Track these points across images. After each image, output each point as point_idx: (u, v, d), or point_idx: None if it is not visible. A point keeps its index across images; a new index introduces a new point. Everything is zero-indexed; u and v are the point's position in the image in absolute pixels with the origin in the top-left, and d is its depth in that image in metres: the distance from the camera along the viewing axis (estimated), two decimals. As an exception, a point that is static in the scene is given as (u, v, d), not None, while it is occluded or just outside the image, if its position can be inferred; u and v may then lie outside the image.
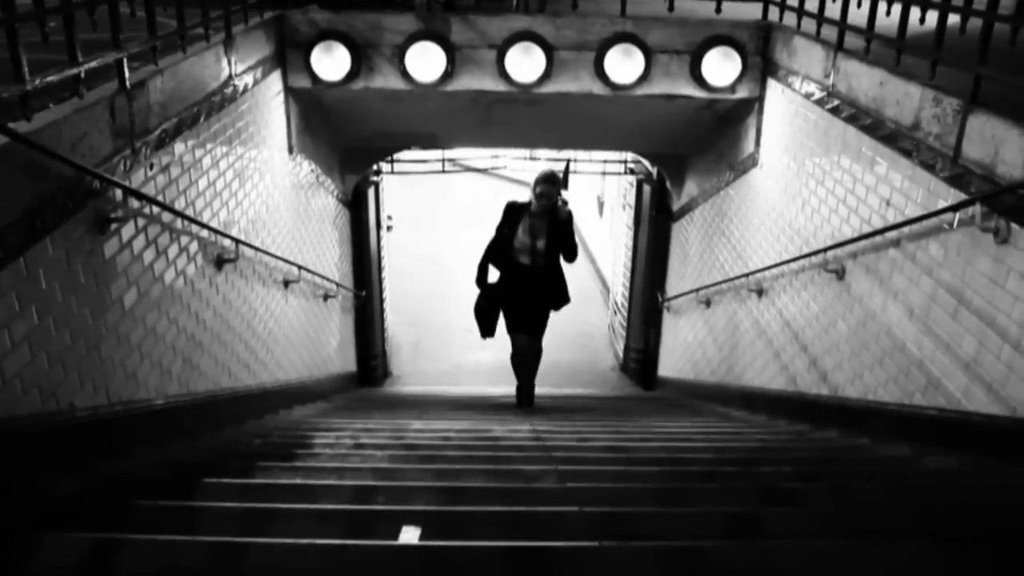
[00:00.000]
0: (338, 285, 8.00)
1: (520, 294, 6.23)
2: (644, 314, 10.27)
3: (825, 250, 4.84)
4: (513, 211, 6.00)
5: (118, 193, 3.36)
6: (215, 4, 4.68)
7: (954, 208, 3.52)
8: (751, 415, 6.02)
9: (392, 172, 9.45)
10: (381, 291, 9.82)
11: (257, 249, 5.28)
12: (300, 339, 6.78)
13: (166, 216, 3.89)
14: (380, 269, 9.66)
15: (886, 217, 4.22)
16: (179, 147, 4.04)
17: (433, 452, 3.95)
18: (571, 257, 6.06)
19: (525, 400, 6.98)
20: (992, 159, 3.36)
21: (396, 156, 9.23)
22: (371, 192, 8.93)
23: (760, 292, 6.11)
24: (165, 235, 3.90)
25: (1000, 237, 3.26)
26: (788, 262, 5.47)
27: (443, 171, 9.96)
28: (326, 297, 7.57)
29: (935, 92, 3.78)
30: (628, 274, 10.58)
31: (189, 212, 4.20)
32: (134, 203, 3.51)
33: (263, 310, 5.60)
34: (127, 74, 3.46)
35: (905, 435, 3.98)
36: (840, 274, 4.75)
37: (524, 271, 6.11)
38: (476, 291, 6.45)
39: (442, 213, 16.23)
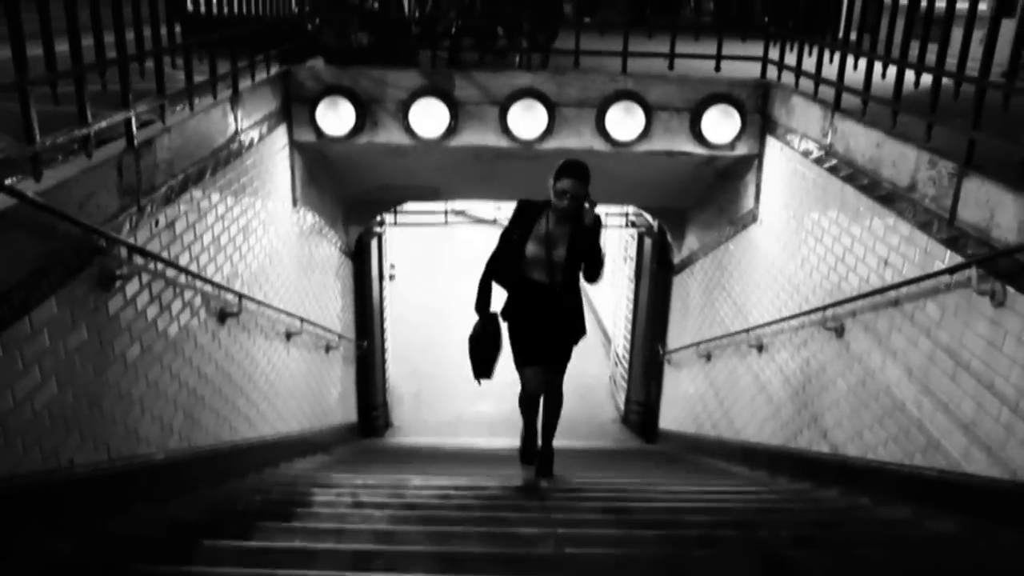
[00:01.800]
0: (340, 336, 8.02)
1: (533, 320, 4.76)
2: (645, 366, 10.26)
3: (824, 308, 4.86)
4: (526, 212, 4.58)
5: (123, 250, 3.40)
6: (222, 55, 4.79)
7: (950, 271, 3.56)
8: (752, 471, 6.00)
9: (396, 224, 9.52)
10: (383, 341, 9.84)
11: (260, 303, 5.31)
12: (301, 390, 6.78)
13: (170, 272, 3.94)
14: (382, 319, 9.68)
15: (884, 277, 4.26)
16: (184, 203, 4.09)
17: (432, 512, 3.94)
18: (595, 275, 4.62)
19: (541, 465, 5.27)
20: (987, 222, 3.40)
21: (399, 207, 9.31)
22: (374, 243, 9.01)
23: (760, 347, 6.12)
24: (169, 290, 3.93)
25: (996, 300, 3.29)
26: (788, 319, 5.49)
27: (446, 223, 10.03)
28: (328, 348, 7.59)
29: (930, 155, 3.84)
30: (629, 326, 10.59)
31: (193, 267, 4.24)
32: (139, 260, 3.56)
33: (265, 362, 5.61)
34: (135, 133, 3.52)
35: (906, 496, 3.97)
36: (840, 332, 4.77)
37: (537, 291, 4.62)
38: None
39: (443, 262, 16.30)
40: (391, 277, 13.60)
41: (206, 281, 4.33)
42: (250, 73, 5.26)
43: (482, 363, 4.84)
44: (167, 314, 3.95)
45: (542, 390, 5.02)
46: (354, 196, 8.02)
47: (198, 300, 4.32)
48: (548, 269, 4.55)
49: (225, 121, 4.72)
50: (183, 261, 4.10)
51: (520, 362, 4.91)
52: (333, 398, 8.13)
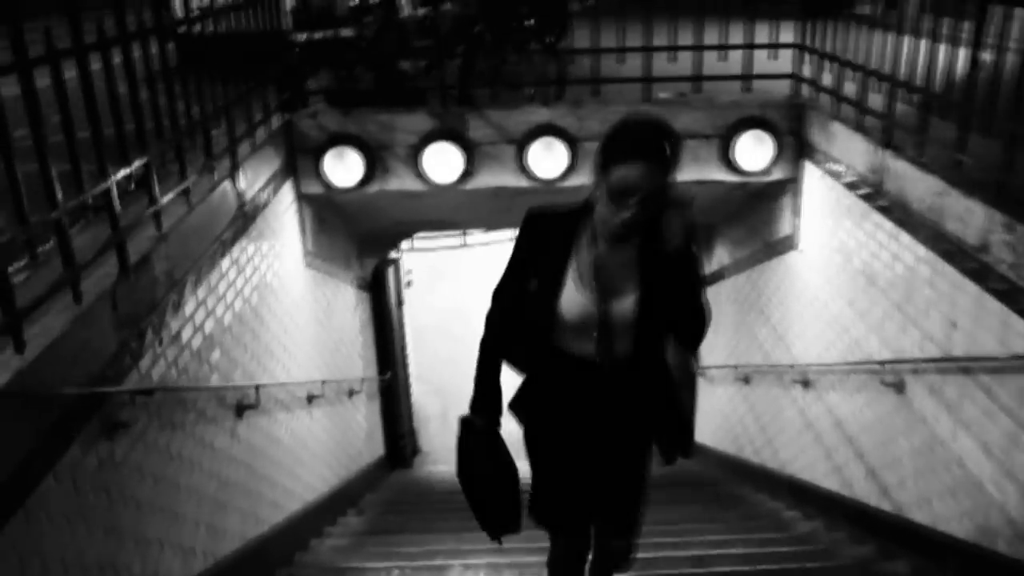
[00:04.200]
0: (363, 379, 7.73)
1: (574, 433, 2.70)
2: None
3: (881, 363, 4.51)
4: (547, 230, 2.57)
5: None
6: (216, 113, 4.45)
7: (1039, 358, 3.21)
8: (804, 519, 5.69)
9: (412, 249, 9.20)
10: (405, 368, 9.57)
11: (277, 385, 5.02)
12: (327, 448, 6.52)
13: (181, 388, 3.64)
14: (403, 347, 9.41)
15: (951, 338, 3.90)
16: (189, 306, 3.78)
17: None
18: (696, 338, 2.54)
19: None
20: (1082, 308, 3.05)
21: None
22: (390, 272, 8.70)
23: (806, 383, 5.79)
24: (179, 410, 3.64)
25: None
26: (838, 366, 5.15)
27: (464, 245, 9.70)
28: (351, 393, 7.30)
29: (1005, 217, 3.47)
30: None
31: (204, 370, 3.95)
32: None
33: (288, 437, 5.34)
34: (129, 255, 3.20)
35: (987, 583, 3.66)
36: (899, 388, 4.42)
37: (581, 374, 2.59)
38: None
39: (461, 265, 15.90)
40: (408, 284, 13.30)
41: (220, 388, 4.03)
42: (250, 138, 4.90)
43: (496, 509, 2.80)
44: (180, 433, 3.66)
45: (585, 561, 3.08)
46: (368, 232, 7.70)
47: (212, 405, 4.03)
48: (602, 336, 2.48)
49: (226, 202, 4.39)
50: (192, 369, 3.80)
51: (548, 515, 2.87)
52: (360, 441, 7.86)
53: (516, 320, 2.64)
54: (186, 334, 3.74)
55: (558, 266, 2.51)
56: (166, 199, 3.60)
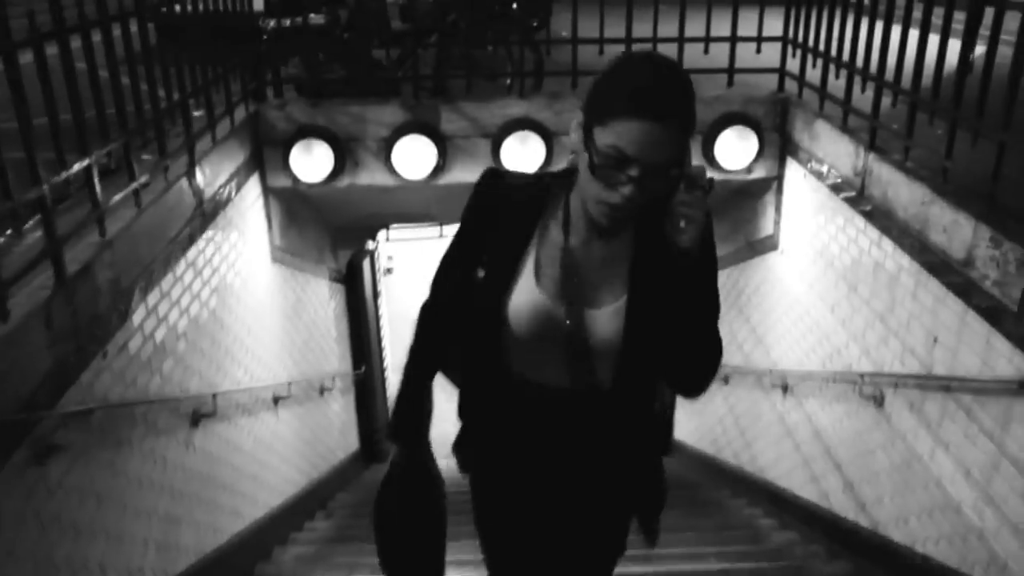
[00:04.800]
0: (334, 376, 7.55)
1: (530, 487, 2.05)
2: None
3: (861, 376, 4.37)
4: (507, 201, 1.84)
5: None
6: (171, 108, 4.24)
7: (1022, 385, 3.06)
8: (780, 528, 5.57)
9: (388, 240, 9.00)
10: (381, 360, 9.39)
11: (240, 390, 4.84)
12: (295, 449, 6.34)
13: (129, 400, 3.46)
14: (379, 340, 9.22)
15: (933, 354, 3.76)
16: (138, 315, 3.59)
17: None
18: (706, 375, 1.81)
19: None
20: (1069, 333, 2.90)
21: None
22: (366, 263, 8.51)
23: (785, 388, 5.65)
24: (125, 425, 3.46)
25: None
26: (818, 373, 5.01)
27: (441, 236, 9.51)
28: (322, 390, 7.13)
29: (992, 231, 3.31)
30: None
31: (155, 381, 3.76)
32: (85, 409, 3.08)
33: (250, 442, 5.16)
34: (66, 267, 3.01)
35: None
36: (879, 401, 4.29)
37: (540, 410, 1.91)
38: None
39: (444, 246, 15.72)
40: (388, 271, 13.13)
41: (171, 399, 3.85)
42: (211, 132, 4.69)
43: (400, 553, 2.21)
44: (126, 448, 3.48)
45: None
46: (342, 224, 7.49)
47: (164, 417, 3.85)
48: (571, 357, 1.82)
49: (182, 200, 4.19)
50: (141, 381, 3.62)
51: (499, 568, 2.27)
52: (332, 438, 7.70)
53: (456, 323, 1.95)
54: (134, 345, 3.55)
55: (511, 251, 1.78)
56: (113, 201, 3.42)
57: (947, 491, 3.67)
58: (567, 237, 1.78)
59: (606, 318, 1.76)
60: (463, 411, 2.08)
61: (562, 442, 1.93)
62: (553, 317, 1.77)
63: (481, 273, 1.83)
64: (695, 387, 1.82)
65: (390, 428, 2.12)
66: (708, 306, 1.76)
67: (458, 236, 1.95)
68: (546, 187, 1.84)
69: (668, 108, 1.50)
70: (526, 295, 1.79)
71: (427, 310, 2.08)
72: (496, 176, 1.90)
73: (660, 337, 1.73)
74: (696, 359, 1.77)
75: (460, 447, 2.11)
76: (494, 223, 1.83)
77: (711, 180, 1.60)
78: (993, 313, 3.28)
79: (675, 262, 1.65)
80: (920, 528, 3.93)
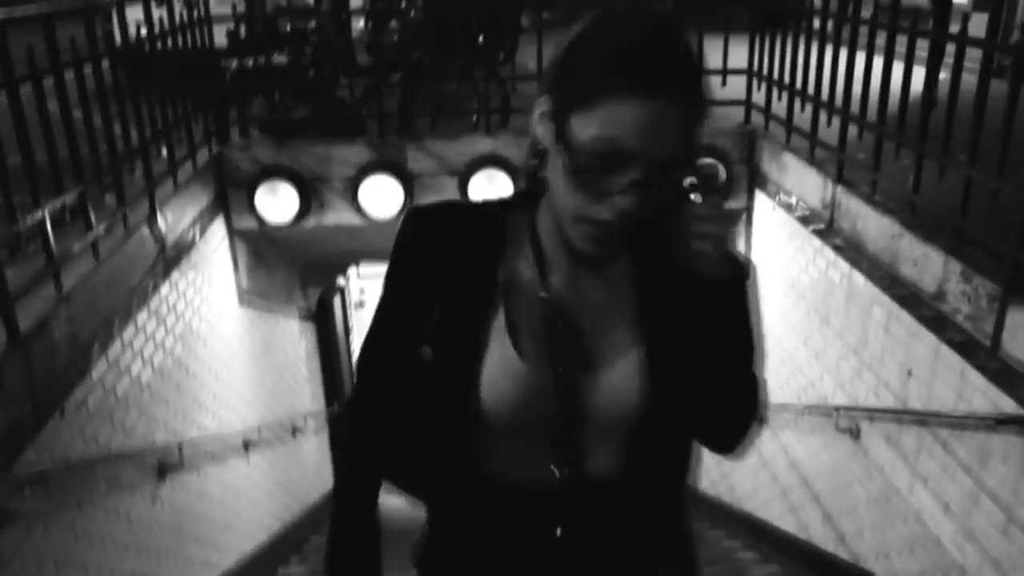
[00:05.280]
0: (305, 416, 7.43)
1: None
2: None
3: (837, 409, 4.35)
4: (449, 247, 1.31)
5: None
6: (130, 154, 4.16)
7: (998, 420, 3.04)
8: (762, 561, 5.52)
9: (359, 276, 8.93)
10: (354, 397, 9.26)
11: (209, 438, 4.73)
12: (267, 493, 6.22)
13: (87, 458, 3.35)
14: (352, 375, 9.11)
15: (908, 387, 3.74)
16: (98, 369, 3.49)
17: None
18: (739, 433, 1.38)
19: None
20: (1042, 368, 2.88)
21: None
22: (336, 299, 8.42)
23: (761, 420, 5.61)
24: (86, 484, 3.34)
25: (1062, 467, 2.79)
26: (792, 406, 4.98)
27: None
28: (294, 431, 7.01)
29: (962, 266, 3.30)
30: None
31: (118, 436, 3.66)
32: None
33: (220, 490, 5.04)
34: (19, 325, 2.91)
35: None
36: (855, 433, 4.26)
37: (527, 516, 1.37)
38: None
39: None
40: (360, 304, 13.02)
41: (132, 454, 3.74)
42: (172, 176, 4.61)
43: None
44: (88, 508, 3.37)
45: None
46: (311, 263, 7.41)
47: (128, 472, 3.74)
48: (565, 441, 1.32)
49: (144, 248, 4.10)
50: (103, 437, 3.51)
51: None
52: (306, 479, 7.56)
53: (400, 416, 1.41)
54: (94, 400, 3.45)
55: (470, 312, 1.29)
56: (70, 253, 3.33)
57: (927, 525, 3.64)
58: (544, 277, 1.27)
59: (616, 380, 1.28)
60: (431, 519, 1.55)
61: (555, 556, 1.38)
62: (542, 391, 1.27)
63: (428, 353, 1.32)
64: (731, 441, 1.40)
65: (326, 565, 1.56)
66: (743, 342, 1.32)
67: (383, 308, 1.40)
68: (500, 216, 1.32)
69: (673, 78, 1.07)
70: (503, 368, 1.27)
71: (354, 411, 1.51)
72: (424, 216, 1.33)
73: (689, 392, 1.30)
74: (733, 409, 1.35)
75: (425, 559, 1.56)
76: (431, 279, 1.30)
77: (723, 178, 1.26)
78: (966, 347, 3.26)
79: (693, 293, 1.23)
80: (901, 563, 3.89)
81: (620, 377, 1.29)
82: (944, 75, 3.57)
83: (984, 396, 3.15)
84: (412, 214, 1.34)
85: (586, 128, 1.08)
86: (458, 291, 1.30)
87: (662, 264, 1.25)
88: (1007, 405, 3.00)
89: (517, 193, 1.37)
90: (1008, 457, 3.04)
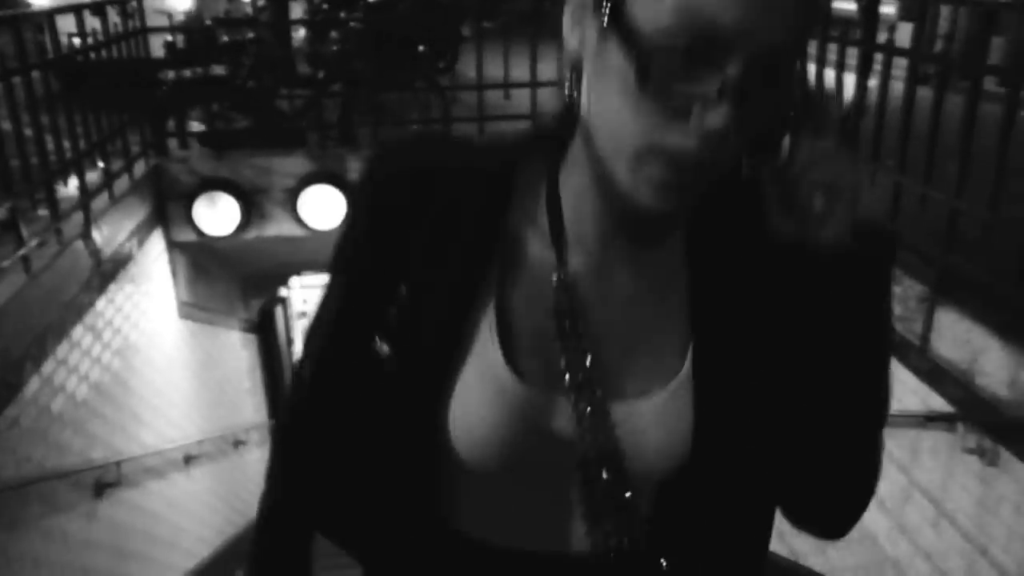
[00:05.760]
0: (248, 428, 7.33)
1: None
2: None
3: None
4: (416, 222, 0.84)
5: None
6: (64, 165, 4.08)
7: (928, 417, 3.14)
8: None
9: (303, 287, 8.86)
10: (299, 409, 9.18)
11: (149, 454, 4.65)
12: (211, 507, 6.13)
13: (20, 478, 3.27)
14: (296, 387, 9.03)
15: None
16: (31, 387, 3.41)
17: None
18: (866, 485, 0.90)
19: None
20: (969, 365, 2.98)
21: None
22: (278, 310, 8.34)
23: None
24: (16, 506, 3.26)
25: (987, 459, 2.88)
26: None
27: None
28: (236, 444, 6.91)
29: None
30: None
31: (53, 454, 3.58)
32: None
33: (162, 506, 4.96)
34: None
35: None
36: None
37: None
38: None
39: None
40: (303, 314, 12.88)
41: (69, 472, 3.67)
42: (108, 189, 4.53)
43: None
44: (21, 530, 3.29)
45: None
46: (252, 274, 7.33)
47: (62, 491, 3.65)
48: (595, 505, 0.83)
49: (78, 263, 4.02)
50: (37, 456, 3.43)
51: None
52: (250, 491, 7.44)
53: (342, 442, 0.97)
54: (27, 418, 3.37)
55: (449, 296, 0.85)
56: (5, 264, 3.26)
57: (863, 521, 3.71)
58: (561, 256, 0.84)
59: (661, 414, 0.83)
60: None
61: None
62: (543, 423, 0.84)
63: (384, 350, 0.89)
64: (849, 514, 0.95)
65: None
66: (875, 362, 0.87)
67: (332, 288, 0.95)
68: (506, 165, 0.88)
69: None
70: (484, 383, 0.84)
71: (285, 432, 1.05)
72: (396, 159, 0.90)
73: (777, 438, 0.85)
74: (849, 468, 0.90)
75: None
76: (399, 248, 0.87)
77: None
78: (898, 348, 3.35)
79: (795, 285, 0.80)
80: (838, 557, 3.98)
81: (662, 411, 0.83)
82: (872, 82, 3.68)
83: (915, 395, 3.25)
84: (380, 157, 0.91)
85: (656, 9, 0.66)
86: (435, 266, 0.85)
87: (736, 243, 0.82)
88: (936, 403, 3.10)
89: (535, 135, 0.90)
90: (937, 452, 3.14)
